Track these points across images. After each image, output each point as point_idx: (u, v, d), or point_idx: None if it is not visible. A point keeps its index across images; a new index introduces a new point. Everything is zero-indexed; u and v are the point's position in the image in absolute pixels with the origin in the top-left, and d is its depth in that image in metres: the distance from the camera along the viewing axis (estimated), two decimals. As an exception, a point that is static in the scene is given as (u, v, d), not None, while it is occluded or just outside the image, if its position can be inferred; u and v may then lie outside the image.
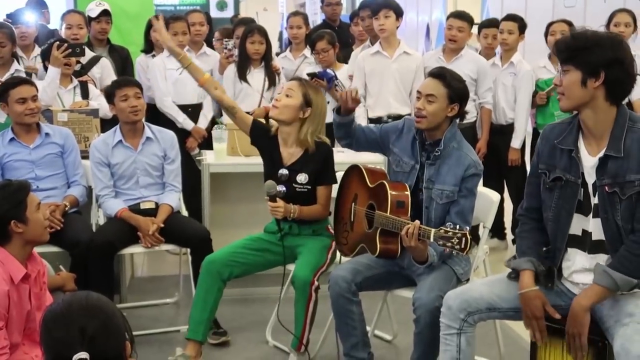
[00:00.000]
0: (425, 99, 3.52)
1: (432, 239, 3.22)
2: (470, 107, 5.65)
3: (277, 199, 3.88)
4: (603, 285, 2.81)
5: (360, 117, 5.47)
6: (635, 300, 2.82)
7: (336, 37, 6.06)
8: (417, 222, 3.33)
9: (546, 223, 3.03)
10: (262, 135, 4.10)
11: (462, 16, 5.74)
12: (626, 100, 5.24)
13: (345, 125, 3.76)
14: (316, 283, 3.83)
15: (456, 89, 3.53)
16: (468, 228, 3.24)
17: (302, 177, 3.99)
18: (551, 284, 3.00)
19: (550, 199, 3.00)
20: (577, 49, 2.81)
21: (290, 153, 4.02)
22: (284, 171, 4.01)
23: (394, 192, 3.59)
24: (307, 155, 3.99)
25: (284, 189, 3.97)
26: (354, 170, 3.91)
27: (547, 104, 5.67)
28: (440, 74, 3.57)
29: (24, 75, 5.22)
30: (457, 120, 3.63)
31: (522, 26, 5.89)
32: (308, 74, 5.83)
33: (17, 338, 3.02)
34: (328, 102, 5.83)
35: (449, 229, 3.18)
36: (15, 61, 5.49)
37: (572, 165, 2.93)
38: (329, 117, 4.06)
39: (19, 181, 3.23)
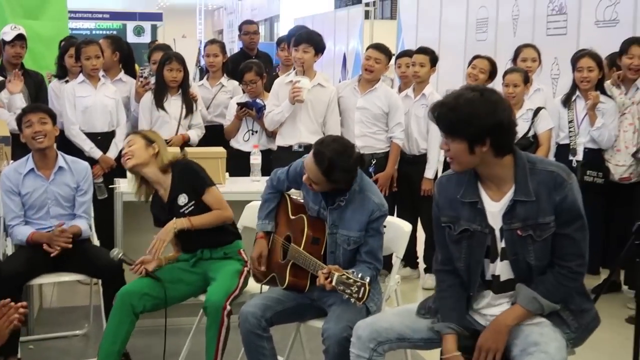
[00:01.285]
0: (309, 179, 3.49)
1: (334, 282, 3.25)
2: (382, 137, 5.77)
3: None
4: (529, 309, 2.89)
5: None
6: (539, 330, 2.90)
7: (263, 68, 6.08)
8: (330, 267, 3.34)
9: (459, 272, 3.06)
10: (153, 207, 4.23)
11: (380, 48, 5.84)
12: (532, 132, 5.47)
13: None
14: (228, 307, 3.79)
15: (335, 179, 3.44)
16: (369, 279, 3.25)
17: (182, 199, 4.02)
18: (471, 345, 3.01)
19: (459, 251, 3.02)
20: (457, 122, 2.81)
21: (165, 189, 4.08)
22: (167, 207, 4.06)
23: (311, 228, 3.61)
24: (173, 179, 4.05)
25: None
26: (281, 199, 3.91)
27: None
28: (320, 162, 3.39)
29: None
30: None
31: (433, 59, 6.01)
32: (238, 104, 5.86)
33: None
34: (256, 132, 5.88)
35: (351, 276, 3.22)
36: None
37: (477, 215, 2.95)
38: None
39: None
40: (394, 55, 6.18)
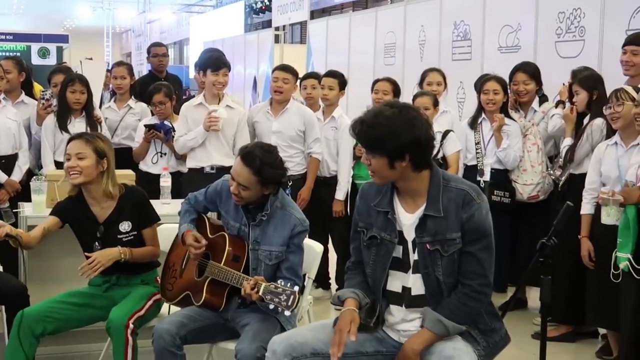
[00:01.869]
0: (238, 186, 3.52)
1: (261, 293, 3.27)
2: (300, 159, 5.79)
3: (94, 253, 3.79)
4: (435, 332, 2.94)
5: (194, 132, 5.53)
6: (452, 345, 2.96)
7: (173, 90, 6.03)
8: (257, 278, 3.36)
9: (368, 278, 3.13)
10: (70, 212, 3.98)
11: (286, 69, 5.89)
12: (441, 154, 5.59)
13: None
14: (131, 326, 3.70)
15: (267, 177, 3.50)
16: (298, 287, 3.32)
17: (125, 226, 3.92)
18: (373, 320, 3.08)
19: (368, 256, 3.11)
20: (377, 139, 2.89)
21: (102, 208, 3.93)
22: (101, 228, 3.92)
23: (232, 245, 3.61)
24: (121, 203, 3.93)
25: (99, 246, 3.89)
26: (199, 219, 3.87)
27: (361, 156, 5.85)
28: (250, 162, 3.48)
29: None
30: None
31: (342, 82, 6.09)
32: (145, 125, 5.80)
33: None
34: (164, 154, 5.82)
35: (279, 285, 3.26)
36: None
37: (388, 225, 3.04)
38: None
39: None
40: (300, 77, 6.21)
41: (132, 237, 3.93)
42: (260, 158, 3.49)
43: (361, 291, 3.11)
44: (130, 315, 3.75)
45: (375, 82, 6.15)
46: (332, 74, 6.17)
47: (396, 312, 3.09)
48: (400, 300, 3.07)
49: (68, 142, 3.96)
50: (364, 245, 3.12)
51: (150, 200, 4.06)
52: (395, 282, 3.07)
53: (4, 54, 17.02)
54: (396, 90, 6.05)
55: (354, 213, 3.21)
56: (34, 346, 3.77)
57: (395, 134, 2.86)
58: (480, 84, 5.80)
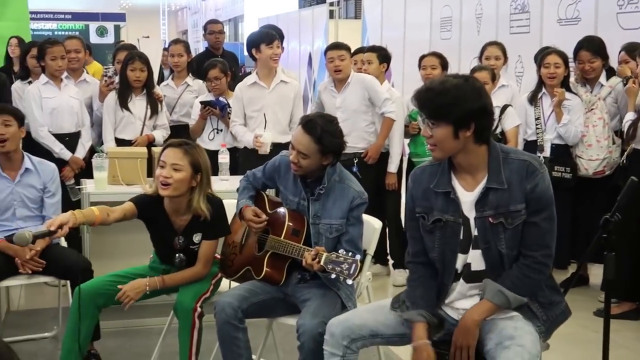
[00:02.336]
0: (298, 154, 3.53)
1: (322, 262, 3.29)
2: (366, 134, 5.77)
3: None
4: (495, 303, 2.91)
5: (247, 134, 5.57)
6: (513, 324, 2.92)
7: (228, 66, 6.06)
8: (318, 248, 3.37)
9: (434, 262, 3.08)
10: (148, 210, 3.85)
11: (339, 46, 5.87)
12: (499, 129, 5.53)
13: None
14: (199, 309, 3.75)
15: (328, 145, 3.50)
16: (360, 256, 3.31)
17: (198, 237, 3.85)
18: (440, 332, 3.03)
19: (432, 241, 3.05)
20: (444, 106, 2.84)
21: (182, 219, 3.84)
22: (180, 239, 3.84)
23: (292, 220, 3.63)
24: (198, 215, 3.83)
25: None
26: (257, 195, 3.89)
27: (418, 133, 5.83)
28: (311, 130, 3.49)
29: None
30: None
31: (382, 55, 6.07)
32: (201, 102, 5.85)
33: None
34: (220, 130, 5.87)
35: (340, 255, 3.27)
36: None
37: (450, 205, 2.99)
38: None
39: None
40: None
41: (197, 247, 3.87)
42: (321, 126, 3.50)
43: (426, 311, 3.02)
44: (198, 298, 3.78)
45: (422, 57, 6.10)
46: (370, 48, 6.15)
47: (455, 288, 3.06)
48: (459, 276, 3.04)
49: (165, 148, 3.81)
50: (426, 231, 3.05)
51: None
52: (457, 261, 3.02)
53: (63, 33, 17.34)
54: (444, 64, 5.99)
55: (407, 200, 3.15)
56: (95, 317, 3.83)
57: (464, 100, 2.83)
58: (540, 58, 5.71)
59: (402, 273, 5.94)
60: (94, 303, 3.77)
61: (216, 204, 3.84)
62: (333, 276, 3.30)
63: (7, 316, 5.13)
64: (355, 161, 5.69)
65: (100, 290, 3.79)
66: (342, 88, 5.77)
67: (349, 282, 3.29)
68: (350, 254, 3.29)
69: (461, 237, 2.98)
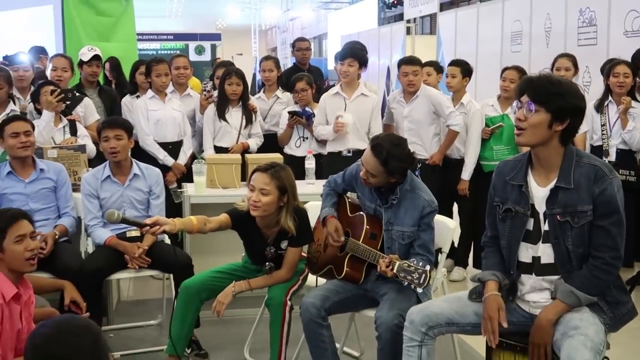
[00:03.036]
0: (367, 172, 3.53)
1: (395, 270, 3.28)
2: (429, 142, 5.73)
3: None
4: (567, 303, 2.88)
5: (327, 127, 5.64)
6: (579, 316, 2.88)
7: (313, 80, 6.13)
8: (392, 256, 3.36)
9: (502, 250, 3.09)
10: (242, 223, 3.91)
11: (412, 61, 5.78)
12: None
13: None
14: (289, 303, 3.79)
15: (393, 168, 3.47)
16: (430, 266, 3.30)
17: (284, 244, 3.91)
18: (512, 297, 3.06)
19: (503, 229, 3.07)
20: (551, 94, 2.83)
21: (272, 231, 3.88)
22: (271, 249, 3.90)
23: (370, 224, 3.63)
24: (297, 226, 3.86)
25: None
26: (339, 199, 3.91)
27: (488, 139, 5.76)
28: (379, 153, 3.46)
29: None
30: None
31: (465, 70, 5.98)
32: (289, 112, 5.92)
33: (9, 354, 2.98)
34: (306, 138, 5.92)
35: (412, 264, 3.27)
36: (11, 102, 5.46)
37: (522, 198, 2.99)
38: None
39: (6, 210, 3.17)
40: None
41: (283, 253, 3.92)
42: (388, 150, 3.46)
43: (500, 271, 3.07)
44: (287, 292, 3.83)
45: (504, 70, 6.00)
46: (454, 62, 6.08)
47: (526, 281, 3.04)
48: (530, 269, 3.01)
49: (253, 172, 3.84)
50: (499, 219, 3.07)
51: (296, 181, 4.07)
52: (526, 253, 3.02)
53: (166, 52, 17.72)
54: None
55: (490, 189, 3.15)
56: (198, 309, 3.94)
57: (572, 95, 2.85)
58: (609, 68, 5.58)
59: (460, 270, 5.91)
60: (198, 297, 3.89)
61: (301, 215, 3.87)
62: (405, 284, 3.30)
63: (118, 305, 5.26)
64: (419, 166, 5.66)
65: (203, 285, 3.90)
66: (410, 99, 5.73)
67: (419, 290, 3.29)
68: (420, 264, 3.27)
69: (530, 229, 2.98)
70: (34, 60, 6.39)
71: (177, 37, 21.17)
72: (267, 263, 3.90)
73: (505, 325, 2.96)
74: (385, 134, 3.62)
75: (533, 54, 9.41)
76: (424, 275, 3.22)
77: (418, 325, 3.10)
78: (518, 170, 3.03)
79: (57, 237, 4.37)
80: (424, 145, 5.70)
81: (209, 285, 3.92)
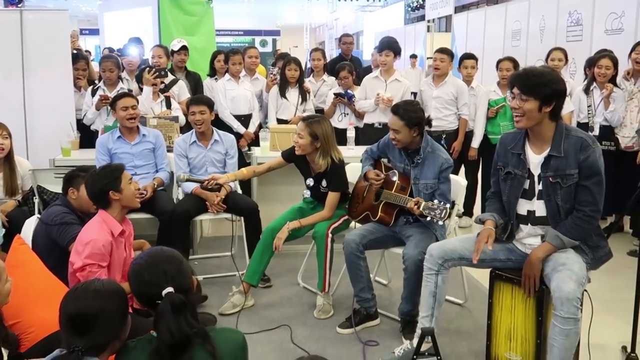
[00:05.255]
0: (393, 131, 3.54)
1: (421, 208, 3.27)
2: (452, 118, 5.63)
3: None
4: (554, 244, 2.85)
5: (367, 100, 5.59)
6: (565, 255, 2.84)
7: (354, 68, 6.06)
8: (418, 198, 3.36)
9: (504, 204, 3.05)
10: (295, 157, 4.00)
11: (443, 51, 5.68)
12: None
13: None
14: (330, 236, 3.79)
15: (410, 119, 3.47)
16: (449, 205, 3.30)
17: (324, 183, 3.94)
18: (505, 234, 3.03)
19: (504, 187, 3.02)
20: (536, 84, 2.76)
21: (318, 166, 3.92)
22: (310, 180, 3.98)
23: (400, 179, 3.61)
24: (329, 168, 3.90)
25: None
26: (376, 162, 3.87)
27: (495, 117, 5.64)
28: (395, 111, 3.52)
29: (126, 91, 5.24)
30: (428, 128, 3.61)
31: (476, 61, 5.83)
32: (334, 94, 5.85)
33: (117, 277, 3.04)
34: (347, 114, 5.86)
35: (434, 203, 3.26)
36: (120, 82, 5.51)
37: (520, 164, 2.94)
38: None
39: (115, 163, 3.22)
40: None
41: (326, 191, 3.94)
42: (403, 107, 3.53)
43: (497, 214, 3.05)
44: (329, 226, 3.84)
45: (499, 61, 5.83)
46: (472, 56, 5.92)
47: (524, 229, 3.00)
48: (527, 220, 2.97)
49: (299, 120, 3.97)
50: (501, 179, 3.03)
51: (339, 146, 4.06)
52: (523, 207, 2.97)
53: (238, 44, 17.64)
54: (516, 67, 5.71)
55: (495, 155, 3.09)
56: (273, 253, 3.93)
57: (552, 82, 2.78)
58: (596, 60, 5.39)
59: (467, 219, 5.84)
60: (273, 238, 3.88)
61: (337, 165, 3.90)
62: (428, 219, 3.28)
63: (200, 240, 5.33)
64: (443, 136, 5.57)
65: (278, 228, 3.90)
66: (439, 84, 5.62)
67: (440, 223, 3.26)
68: (442, 203, 3.25)
69: (527, 188, 2.93)
70: (142, 52, 6.37)
71: (246, 32, 21.13)
72: (305, 191, 3.96)
73: (490, 247, 2.93)
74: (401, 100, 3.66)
75: (530, 48, 9.17)
76: (444, 210, 3.21)
77: (436, 258, 3.09)
78: (517, 141, 2.96)
79: (155, 186, 4.43)
80: (447, 119, 5.60)
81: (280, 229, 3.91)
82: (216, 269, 4.64)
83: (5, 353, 2.32)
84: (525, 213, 2.96)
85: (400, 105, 3.59)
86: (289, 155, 4.04)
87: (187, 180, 4.00)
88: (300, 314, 3.89)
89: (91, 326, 1.87)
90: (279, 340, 3.52)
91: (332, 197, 3.91)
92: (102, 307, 1.90)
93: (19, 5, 9.69)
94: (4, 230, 3.81)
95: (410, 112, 3.50)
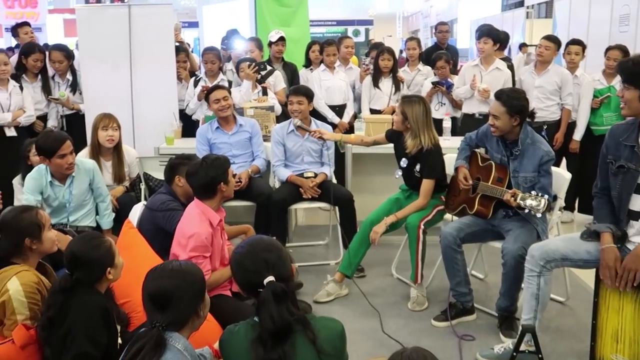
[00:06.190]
0: (493, 117, 3.44)
1: (518, 200, 3.20)
2: (555, 108, 5.42)
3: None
4: None
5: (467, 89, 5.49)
6: None
7: (450, 57, 5.95)
8: (515, 190, 3.27)
9: (613, 200, 2.88)
10: (394, 136, 4.04)
11: (549, 38, 5.48)
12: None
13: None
14: (422, 227, 3.76)
15: (512, 106, 3.36)
16: (547, 197, 3.18)
17: (417, 167, 3.91)
18: (621, 243, 2.85)
19: (615, 182, 2.85)
20: (636, 74, 2.67)
21: (410, 145, 3.89)
22: (404, 161, 3.97)
23: (497, 170, 3.53)
24: (421, 151, 3.87)
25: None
26: (472, 153, 3.81)
27: (598, 107, 5.36)
28: (499, 96, 3.43)
29: (226, 83, 5.40)
30: (529, 120, 3.45)
31: (583, 49, 5.57)
32: (432, 82, 5.78)
33: (216, 264, 3.15)
34: (444, 104, 5.76)
35: (532, 194, 3.18)
36: (221, 73, 5.67)
37: (634, 157, 2.77)
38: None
39: (223, 156, 3.30)
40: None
41: (419, 175, 3.89)
42: (507, 94, 3.42)
43: (613, 225, 2.85)
44: (421, 219, 3.80)
45: (608, 49, 5.51)
46: (579, 41, 5.65)
47: (635, 225, 2.83)
48: (638, 216, 2.80)
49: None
50: (612, 173, 2.86)
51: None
52: (637, 202, 2.80)
53: (330, 35, 17.71)
54: (626, 57, 5.38)
55: (602, 148, 2.93)
56: (369, 245, 3.97)
57: None
58: None
59: (568, 214, 5.57)
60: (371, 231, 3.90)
61: (433, 150, 3.87)
62: (526, 211, 3.18)
63: (295, 229, 5.41)
64: (545, 127, 5.36)
65: (377, 219, 3.92)
66: (541, 72, 5.40)
67: (539, 215, 3.15)
68: (540, 194, 3.14)
69: (639, 183, 2.75)
70: (247, 46, 6.49)
71: (339, 22, 21.18)
72: (397, 170, 3.99)
73: (620, 272, 2.76)
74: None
75: (639, 33, 8.62)
76: (543, 202, 3.10)
77: (537, 260, 2.99)
78: (630, 132, 2.80)
79: (251, 173, 4.53)
80: (549, 110, 5.39)
81: (378, 222, 3.92)
82: (310, 257, 4.70)
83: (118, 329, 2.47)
84: (638, 209, 2.79)
85: (505, 91, 3.49)
86: (391, 134, 4.08)
87: (298, 127, 4.37)
88: (393, 304, 3.88)
89: (169, 302, 1.99)
90: (371, 330, 3.54)
91: (426, 184, 3.87)
92: (178, 284, 2.02)
93: (125, 1, 10.16)
94: (114, 214, 4.04)
95: (514, 99, 3.39)
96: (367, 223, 3.95)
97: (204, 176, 3.09)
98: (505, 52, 6.43)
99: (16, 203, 3.98)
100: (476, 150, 3.83)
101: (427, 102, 3.95)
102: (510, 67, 5.96)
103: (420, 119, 3.84)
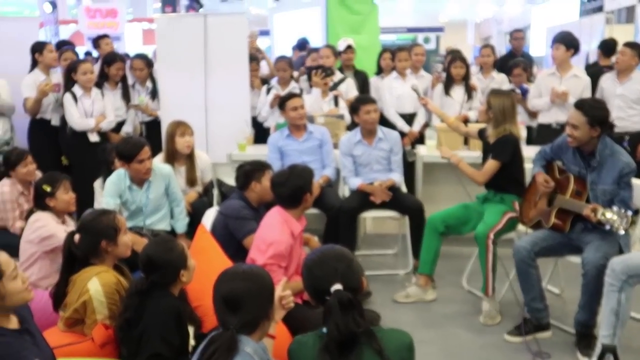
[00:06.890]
0: (571, 127, 3.30)
1: (599, 216, 3.08)
2: (638, 118, 5.20)
3: None
4: None
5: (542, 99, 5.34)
6: None
7: (527, 64, 5.83)
8: (595, 204, 3.14)
9: None
10: (483, 135, 4.11)
11: (628, 44, 5.29)
12: None
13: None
14: (492, 237, 3.68)
15: (594, 117, 3.23)
16: (631, 212, 3.02)
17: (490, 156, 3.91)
18: None
19: None
20: None
21: (492, 135, 3.94)
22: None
23: (576, 183, 3.41)
24: (499, 139, 3.90)
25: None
26: (548, 165, 3.70)
27: None
28: (580, 106, 3.31)
29: (297, 91, 5.46)
30: (609, 131, 3.36)
31: None
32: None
33: (293, 272, 3.17)
34: (519, 113, 5.62)
35: (614, 210, 3.03)
36: (293, 81, 5.74)
37: None
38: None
39: (308, 166, 3.31)
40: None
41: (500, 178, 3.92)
42: (589, 103, 3.31)
43: None
44: (491, 229, 3.73)
45: None
46: (631, 44, 5.39)
47: None
48: None
49: None
50: None
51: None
52: None
53: (400, 42, 17.60)
54: None
55: None
56: (439, 239, 4.00)
57: None
58: None
59: None
60: (436, 229, 3.98)
61: (511, 138, 3.86)
62: (607, 227, 3.03)
63: (364, 237, 5.39)
64: (627, 138, 5.14)
65: (441, 219, 3.99)
66: (623, 80, 5.19)
67: (621, 232, 3.01)
68: (622, 210, 3.00)
69: None
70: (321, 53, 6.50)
71: (410, 30, 21.03)
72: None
73: None
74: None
75: None
76: (625, 218, 2.96)
77: (619, 274, 2.87)
78: None
79: (322, 183, 4.54)
80: (631, 119, 5.16)
81: (445, 220, 3.99)
82: (379, 266, 4.67)
83: (191, 331, 2.52)
84: None
85: (587, 100, 3.39)
86: (481, 131, 4.14)
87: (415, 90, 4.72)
88: (464, 317, 3.81)
89: (241, 304, 2.02)
90: (441, 341, 3.48)
91: (489, 164, 3.91)
92: (249, 287, 2.05)
93: (200, 10, 10.43)
94: (188, 218, 4.14)
95: (596, 109, 3.27)
96: (430, 219, 3.98)
97: (292, 186, 3.14)
98: (583, 59, 6.21)
99: (96, 206, 4.14)
100: (554, 162, 3.70)
101: (515, 99, 3.97)
102: (597, 73, 5.73)
103: (505, 110, 3.87)
